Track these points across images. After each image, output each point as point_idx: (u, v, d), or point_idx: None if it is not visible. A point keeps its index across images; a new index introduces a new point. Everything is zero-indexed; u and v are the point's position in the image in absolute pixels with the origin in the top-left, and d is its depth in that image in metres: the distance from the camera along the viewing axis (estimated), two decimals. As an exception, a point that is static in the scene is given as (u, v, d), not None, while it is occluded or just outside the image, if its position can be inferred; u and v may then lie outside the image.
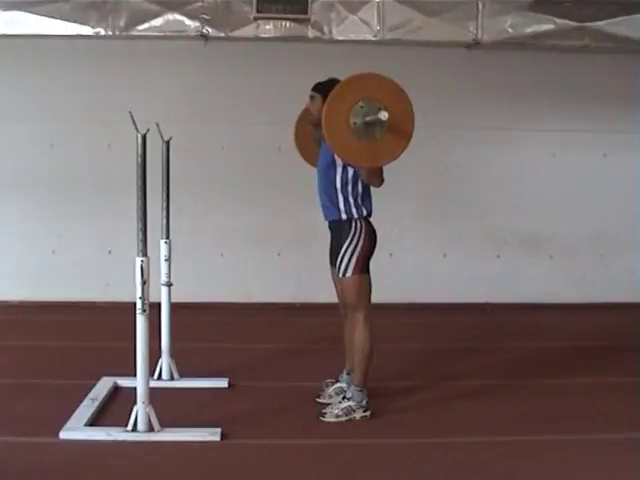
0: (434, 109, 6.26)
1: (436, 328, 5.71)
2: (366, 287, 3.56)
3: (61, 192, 6.20)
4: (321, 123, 3.27)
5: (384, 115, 3.09)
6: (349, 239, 3.50)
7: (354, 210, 3.52)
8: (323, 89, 3.51)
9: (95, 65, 6.09)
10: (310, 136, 3.85)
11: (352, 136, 3.19)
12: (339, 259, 3.52)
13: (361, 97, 3.19)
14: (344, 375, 3.77)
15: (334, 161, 3.48)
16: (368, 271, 3.56)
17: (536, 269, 6.58)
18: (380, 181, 3.50)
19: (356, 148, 3.22)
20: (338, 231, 3.56)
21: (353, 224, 3.51)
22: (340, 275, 3.54)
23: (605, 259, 6.60)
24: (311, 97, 3.64)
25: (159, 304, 3.95)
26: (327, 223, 3.65)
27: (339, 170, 3.50)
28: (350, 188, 3.51)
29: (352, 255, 3.50)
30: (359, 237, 3.51)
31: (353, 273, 3.50)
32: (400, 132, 3.20)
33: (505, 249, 6.58)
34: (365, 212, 3.55)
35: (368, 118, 3.16)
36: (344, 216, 3.53)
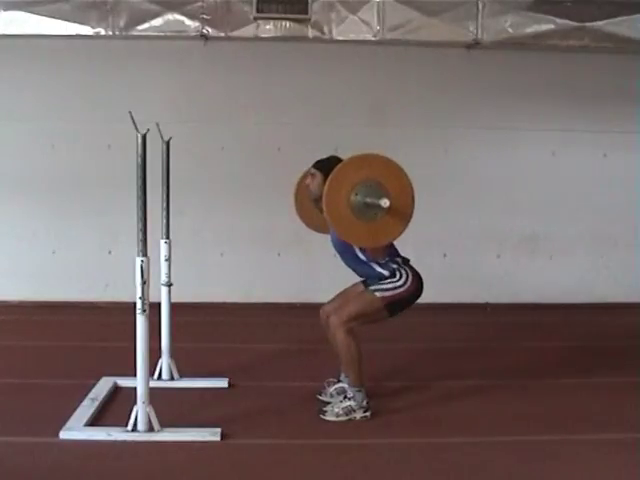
0: (434, 109, 6.28)
1: (436, 328, 5.71)
2: (372, 318, 3.51)
3: (61, 192, 6.20)
4: (321, 199, 3.28)
5: (385, 202, 3.09)
6: (397, 278, 3.48)
7: (392, 265, 3.52)
8: (324, 167, 3.50)
9: (95, 65, 6.09)
10: (310, 205, 3.80)
11: (353, 218, 3.19)
12: (382, 281, 3.48)
13: (362, 179, 3.18)
14: (343, 376, 3.76)
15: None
16: (392, 314, 3.51)
17: (536, 269, 6.58)
18: (385, 256, 3.50)
19: (358, 229, 3.22)
20: (385, 279, 3.53)
21: (398, 273, 3.51)
22: (369, 288, 3.50)
23: (605, 259, 6.60)
24: (312, 174, 3.62)
25: (159, 304, 3.94)
26: None
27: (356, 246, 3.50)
28: (374, 253, 3.51)
29: (395, 288, 3.47)
30: (407, 279, 3.49)
31: (382, 298, 3.46)
32: (399, 215, 3.21)
33: (505, 249, 6.58)
34: (402, 260, 3.55)
35: (368, 200, 3.16)
36: (386, 272, 3.51)
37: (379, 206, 3.12)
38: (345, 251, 3.57)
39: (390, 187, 3.17)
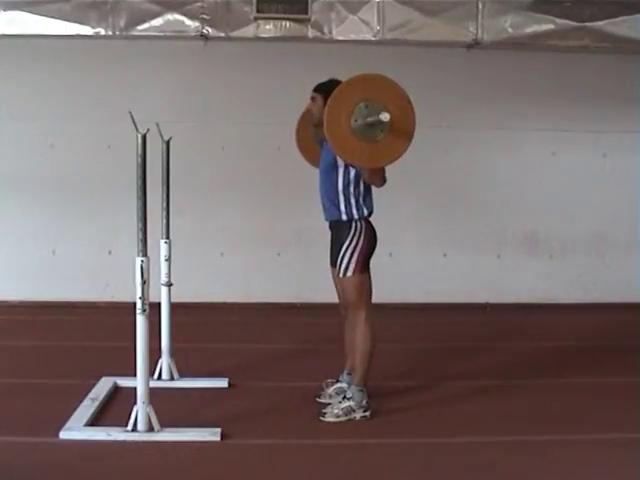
0: (434, 109, 6.26)
1: (436, 328, 5.70)
2: (366, 286, 3.57)
3: (61, 192, 6.20)
4: (322, 123, 3.27)
5: (385, 117, 3.09)
6: (349, 239, 3.51)
7: (355, 211, 3.53)
8: (324, 90, 3.51)
9: (95, 65, 6.09)
10: (311, 137, 3.86)
11: (353, 137, 3.19)
12: (339, 259, 3.52)
13: (362, 98, 3.18)
14: (344, 375, 3.77)
15: (336, 162, 3.48)
16: (368, 271, 3.56)
17: (536, 269, 6.58)
18: (382, 181, 3.50)
19: (358, 149, 3.22)
20: (338, 231, 3.57)
21: (353, 224, 3.52)
22: (341, 275, 3.54)
23: (605, 259, 6.61)
24: (312, 98, 3.64)
25: (159, 304, 3.94)
26: (327, 223, 3.65)
27: (341, 171, 3.51)
28: (352, 189, 3.52)
29: (352, 255, 3.50)
30: (359, 237, 3.51)
31: (353, 273, 3.51)
32: (401, 133, 3.20)
33: (505, 249, 6.58)
34: (366, 212, 3.55)
35: (369, 119, 3.16)
36: (345, 217, 3.53)
37: (380, 121, 3.10)
38: (328, 176, 3.55)
39: (390, 106, 3.15)
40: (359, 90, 3.23)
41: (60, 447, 3.12)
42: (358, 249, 3.50)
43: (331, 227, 3.64)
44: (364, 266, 3.53)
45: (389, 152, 3.25)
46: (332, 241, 3.64)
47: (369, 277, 3.57)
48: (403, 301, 6.18)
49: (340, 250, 3.52)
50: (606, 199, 6.51)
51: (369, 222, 3.57)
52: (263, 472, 2.97)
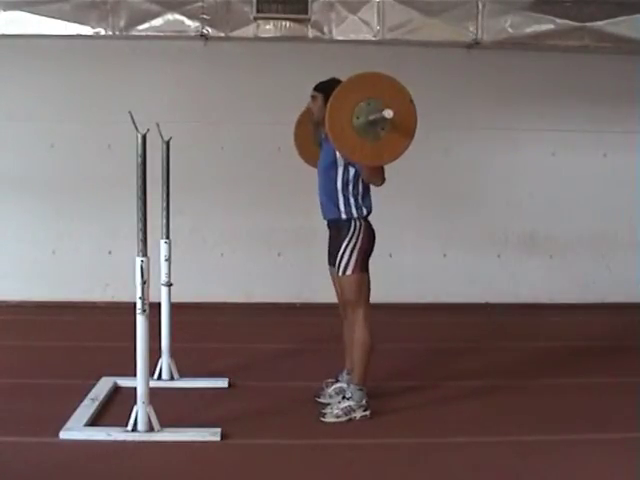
0: (434, 109, 6.24)
1: (436, 328, 5.70)
2: (365, 285, 3.57)
3: (61, 192, 6.20)
4: (322, 122, 3.28)
5: (388, 113, 3.09)
6: (348, 238, 3.51)
7: (354, 210, 3.53)
8: (325, 88, 3.51)
9: (95, 65, 6.09)
10: (310, 137, 3.86)
11: (355, 134, 3.19)
12: (338, 258, 3.52)
13: (364, 96, 3.19)
14: (344, 375, 3.77)
15: (336, 161, 3.48)
16: (367, 270, 3.56)
17: (536, 269, 6.58)
18: (381, 180, 3.50)
19: (359, 146, 3.22)
20: (337, 230, 3.57)
21: (352, 223, 3.52)
22: (340, 274, 3.54)
23: (605, 259, 6.61)
24: (313, 97, 3.65)
25: (159, 304, 3.94)
26: (326, 222, 3.65)
27: (340, 170, 3.51)
28: (351, 188, 3.52)
29: (351, 254, 3.50)
30: (358, 236, 3.51)
31: (352, 272, 3.50)
32: (403, 130, 3.20)
33: (505, 249, 6.58)
34: (365, 212, 3.55)
35: (371, 117, 3.16)
36: (344, 216, 3.53)
37: (383, 118, 3.11)
38: (327, 174, 3.55)
39: (391, 103, 3.15)
40: (361, 88, 3.24)
41: (60, 447, 3.12)
42: (357, 248, 3.50)
43: (329, 226, 3.64)
44: (363, 265, 3.53)
45: (391, 149, 3.25)
46: (330, 240, 3.64)
47: (368, 276, 3.57)
48: (403, 301, 6.18)
49: (339, 249, 3.52)
50: (606, 199, 6.51)
51: (368, 221, 3.57)
52: (263, 472, 2.97)
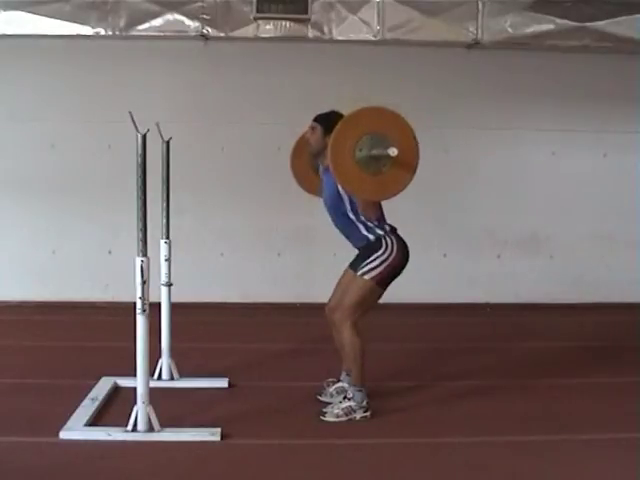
0: (434, 109, 6.27)
1: (436, 328, 5.71)
2: (371, 300, 3.52)
3: (61, 192, 6.19)
4: (321, 154, 3.33)
5: (393, 152, 3.08)
6: (382, 250, 3.47)
7: (379, 230, 3.51)
8: (324, 121, 3.51)
9: (95, 65, 6.09)
10: (307, 166, 3.83)
11: (357, 169, 3.18)
12: (366, 261, 3.46)
13: (367, 131, 3.18)
14: (344, 375, 3.77)
15: (339, 193, 3.47)
16: (385, 287, 3.51)
17: (536, 269, 6.58)
18: (374, 215, 3.49)
19: (361, 181, 3.21)
20: (368, 248, 3.51)
21: (384, 241, 3.49)
22: (357, 273, 3.49)
23: (605, 259, 6.60)
24: (312, 128, 3.62)
25: (159, 304, 3.95)
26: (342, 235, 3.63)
27: (346, 201, 3.49)
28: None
29: (380, 264, 3.46)
30: (392, 250, 3.48)
31: (371, 279, 3.46)
32: (405, 166, 3.20)
33: (505, 249, 6.58)
34: (388, 227, 3.54)
35: (374, 152, 3.16)
36: (372, 237, 3.50)
37: (387, 156, 3.10)
38: (336, 209, 3.54)
39: (394, 138, 3.15)
40: (364, 122, 3.22)
41: (60, 447, 3.12)
42: (389, 260, 3.46)
43: (359, 249, 3.59)
44: (384, 280, 3.48)
45: (393, 184, 3.25)
46: (360, 251, 3.58)
47: (381, 293, 3.51)
48: (403, 301, 6.15)
49: (370, 256, 3.47)
50: (607, 199, 6.50)
51: (399, 236, 3.55)
52: (263, 472, 2.97)
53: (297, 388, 3.99)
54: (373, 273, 3.46)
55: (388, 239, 3.50)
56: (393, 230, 3.57)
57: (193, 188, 5.95)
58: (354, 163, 3.16)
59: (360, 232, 3.52)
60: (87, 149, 6.19)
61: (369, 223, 3.51)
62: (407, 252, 3.54)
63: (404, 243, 3.55)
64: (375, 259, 3.47)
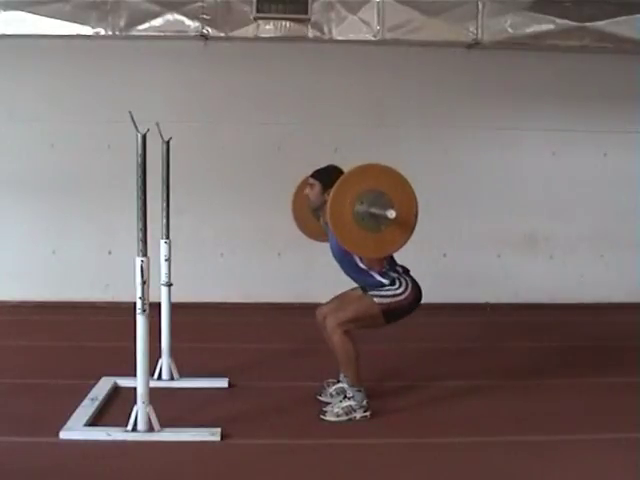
0: (434, 109, 6.28)
1: (436, 328, 5.70)
2: (368, 324, 3.51)
3: (61, 192, 6.19)
4: (319, 209, 3.38)
5: (391, 214, 3.09)
6: (396, 286, 3.48)
7: (392, 273, 3.52)
8: (323, 177, 3.52)
9: (95, 65, 6.09)
10: (308, 215, 3.82)
11: (358, 228, 3.19)
12: (380, 289, 3.47)
13: (365, 189, 3.18)
14: (342, 377, 3.76)
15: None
16: (388, 322, 3.51)
17: (536, 269, 6.58)
18: (382, 263, 3.49)
19: (363, 240, 3.22)
20: (384, 288, 3.51)
21: (397, 282, 3.50)
22: (368, 292, 3.49)
23: (605, 259, 6.60)
24: (310, 184, 3.61)
25: (159, 304, 3.94)
26: None
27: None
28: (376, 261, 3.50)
29: (394, 297, 3.47)
30: (406, 288, 3.49)
31: (379, 305, 3.46)
32: (403, 224, 3.20)
33: (505, 249, 6.58)
34: (401, 269, 3.55)
35: (373, 210, 3.16)
36: (386, 281, 3.50)
37: (385, 217, 3.11)
38: (344, 260, 3.55)
39: (394, 196, 3.17)
40: (363, 180, 3.22)
41: (60, 447, 3.12)
42: (401, 297, 3.47)
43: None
44: (391, 314, 3.48)
45: (392, 241, 3.26)
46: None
47: (384, 323, 3.51)
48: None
49: (384, 287, 3.48)
50: (607, 199, 6.51)
51: (412, 278, 3.56)
52: (263, 472, 2.97)
53: (297, 388, 3.99)
54: (384, 300, 3.46)
55: (402, 280, 3.52)
56: (406, 271, 3.58)
57: (193, 188, 5.95)
58: (353, 222, 3.18)
59: (374, 278, 3.52)
60: (87, 149, 6.19)
61: (381, 269, 3.51)
62: (420, 295, 3.56)
63: (418, 285, 3.56)
64: (389, 290, 3.48)
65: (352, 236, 3.22)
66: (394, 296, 3.47)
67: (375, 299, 3.46)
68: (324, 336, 3.63)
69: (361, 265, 3.52)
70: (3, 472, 2.85)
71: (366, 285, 3.56)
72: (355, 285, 3.67)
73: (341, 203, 3.17)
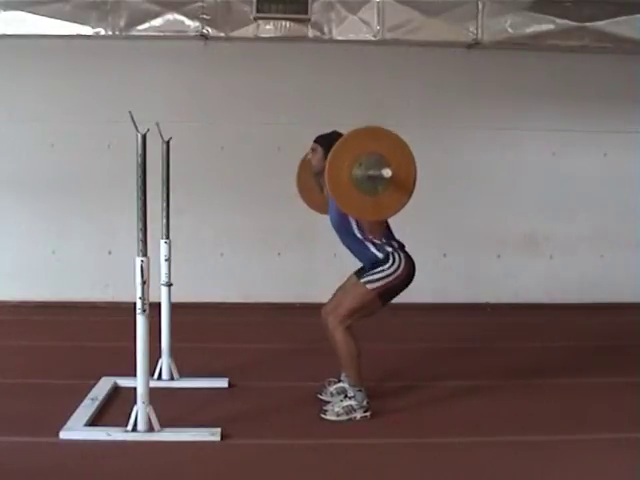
0: (434, 109, 6.28)
1: (436, 328, 5.70)
2: (368, 311, 3.52)
3: (61, 192, 6.19)
4: (322, 173, 3.31)
5: (387, 173, 3.09)
6: (389, 264, 3.47)
7: (387, 247, 3.51)
8: (325, 142, 3.52)
9: (95, 65, 6.09)
10: (312, 185, 3.84)
11: (355, 190, 3.18)
12: (372, 271, 3.48)
13: (364, 152, 3.18)
14: (343, 376, 3.76)
15: (344, 213, 3.45)
16: (385, 303, 3.52)
17: (536, 269, 6.58)
18: (382, 232, 3.50)
19: (360, 202, 3.22)
20: (377, 264, 3.51)
21: (391, 257, 3.49)
22: (360, 280, 3.50)
23: (605, 259, 6.60)
24: (312, 149, 3.63)
25: (159, 304, 3.94)
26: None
27: (352, 219, 3.49)
28: (371, 231, 3.50)
29: (387, 277, 3.47)
30: (399, 266, 3.48)
31: (372, 289, 3.47)
32: (401, 187, 3.20)
33: (505, 249, 6.58)
34: (397, 244, 3.54)
35: (371, 172, 3.16)
36: (381, 255, 3.50)
37: (381, 177, 3.11)
38: (343, 229, 3.55)
39: (392, 159, 3.16)
40: (360, 143, 3.23)
41: (60, 447, 3.12)
42: (394, 276, 3.47)
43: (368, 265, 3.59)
44: (385, 294, 3.49)
45: (390, 205, 3.25)
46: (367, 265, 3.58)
47: (380, 306, 3.52)
48: (403, 301, 6.14)
49: (376, 268, 3.48)
50: (607, 199, 6.51)
51: (407, 253, 3.55)
52: (263, 472, 2.97)
53: (297, 388, 3.99)
54: (376, 284, 3.47)
55: (396, 255, 3.51)
56: (401, 247, 3.58)
57: (193, 188, 5.95)
58: (351, 184, 3.17)
59: (369, 250, 3.52)
60: (87, 149, 6.19)
61: (377, 241, 3.52)
62: (413, 270, 3.55)
63: (411, 260, 3.56)
64: (381, 271, 3.48)
65: (350, 199, 3.22)
66: (387, 277, 3.46)
67: (367, 285, 3.46)
68: (327, 335, 3.63)
69: (358, 234, 3.52)
70: (3, 472, 2.85)
71: (361, 257, 3.57)
72: (354, 268, 3.66)
73: (339, 166, 3.17)
